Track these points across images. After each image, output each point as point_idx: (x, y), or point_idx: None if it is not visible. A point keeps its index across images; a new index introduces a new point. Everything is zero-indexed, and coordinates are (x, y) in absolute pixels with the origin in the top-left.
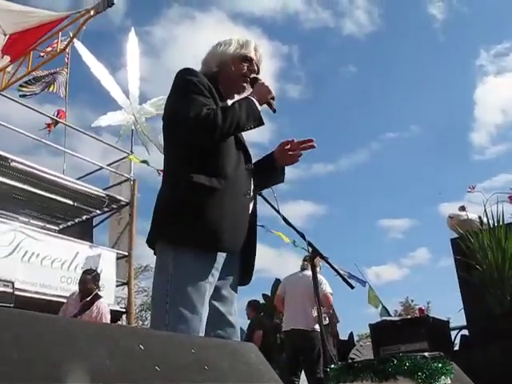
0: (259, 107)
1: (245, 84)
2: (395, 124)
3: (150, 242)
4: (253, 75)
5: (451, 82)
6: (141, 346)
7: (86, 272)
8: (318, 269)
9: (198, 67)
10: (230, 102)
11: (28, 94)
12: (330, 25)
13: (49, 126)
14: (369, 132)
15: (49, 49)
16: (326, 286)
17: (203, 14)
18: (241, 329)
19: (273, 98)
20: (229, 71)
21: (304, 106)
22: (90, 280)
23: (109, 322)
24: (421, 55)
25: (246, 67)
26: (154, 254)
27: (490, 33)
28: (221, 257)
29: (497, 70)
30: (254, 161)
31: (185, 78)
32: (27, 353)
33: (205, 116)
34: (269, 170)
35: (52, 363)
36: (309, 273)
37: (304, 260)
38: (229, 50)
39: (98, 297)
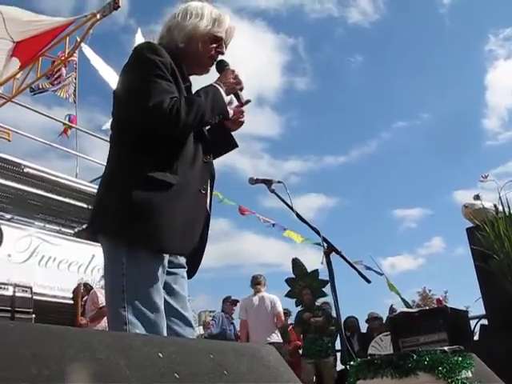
0: (225, 98)
1: (209, 67)
2: (405, 113)
3: (94, 233)
4: (220, 57)
5: (461, 67)
6: (160, 354)
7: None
8: (262, 288)
9: None
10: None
11: (37, 90)
12: (334, 14)
13: (65, 131)
14: (379, 121)
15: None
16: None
17: None
18: None
19: (241, 89)
20: (195, 50)
21: (312, 98)
22: (75, 292)
23: (98, 298)
24: (428, 42)
25: (214, 48)
26: (90, 237)
27: (498, 17)
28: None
29: (507, 53)
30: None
31: (147, 57)
32: (46, 368)
33: (168, 106)
34: (220, 138)
35: (72, 377)
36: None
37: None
38: (200, 24)
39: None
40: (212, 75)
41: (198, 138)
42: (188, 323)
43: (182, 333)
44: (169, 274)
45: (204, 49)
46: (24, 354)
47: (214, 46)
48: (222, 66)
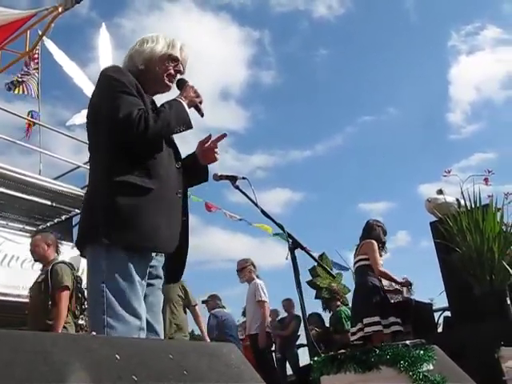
0: (188, 110)
1: (169, 83)
2: (371, 107)
3: (80, 244)
4: (179, 75)
5: (425, 62)
6: (117, 356)
7: None
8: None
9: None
10: (156, 100)
11: None
12: (300, 8)
13: (28, 128)
14: (345, 116)
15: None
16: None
17: (171, 3)
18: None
19: (201, 102)
20: (154, 70)
21: (278, 92)
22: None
23: None
24: (393, 36)
25: (171, 67)
26: (82, 255)
27: (459, 14)
28: (152, 258)
29: (469, 49)
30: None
31: (113, 77)
32: None
33: (137, 116)
34: (193, 169)
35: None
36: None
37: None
38: (156, 48)
39: None
40: (175, 93)
41: (168, 146)
42: (157, 335)
43: None
44: (147, 285)
45: (161, 68)
46: None
47: (172, 65)
48: (182, 83)
